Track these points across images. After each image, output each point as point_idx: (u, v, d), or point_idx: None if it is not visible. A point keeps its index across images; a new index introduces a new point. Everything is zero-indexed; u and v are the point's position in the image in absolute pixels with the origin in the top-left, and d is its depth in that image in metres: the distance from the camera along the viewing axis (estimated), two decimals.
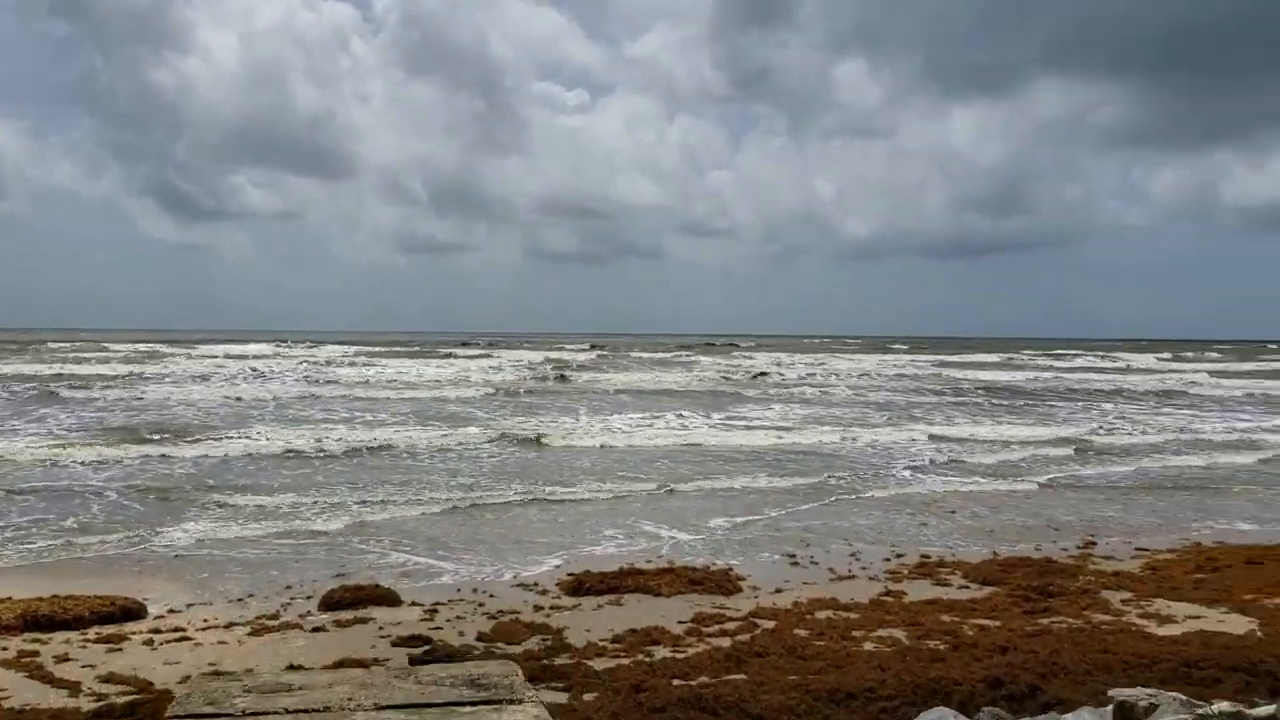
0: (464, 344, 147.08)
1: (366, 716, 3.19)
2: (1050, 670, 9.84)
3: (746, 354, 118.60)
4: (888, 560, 18.03)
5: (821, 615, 14.05)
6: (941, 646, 12.22)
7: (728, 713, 8.57)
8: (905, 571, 17.15)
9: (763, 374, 79.51)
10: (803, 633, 13.00)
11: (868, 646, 12.43)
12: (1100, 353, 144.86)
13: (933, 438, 37.16)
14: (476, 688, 3.54)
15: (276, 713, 3.18)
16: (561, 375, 72.17)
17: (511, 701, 3.39)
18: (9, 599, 14.06)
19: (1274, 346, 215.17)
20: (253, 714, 3.17)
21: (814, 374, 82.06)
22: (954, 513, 22.83)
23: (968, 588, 16.05)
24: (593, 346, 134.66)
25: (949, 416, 46.29)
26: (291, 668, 11.39)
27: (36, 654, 12.09)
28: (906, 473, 28.40)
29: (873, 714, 8.99)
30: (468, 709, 3.28)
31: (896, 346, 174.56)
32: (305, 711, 3.22)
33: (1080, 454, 33.55)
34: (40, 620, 13.31)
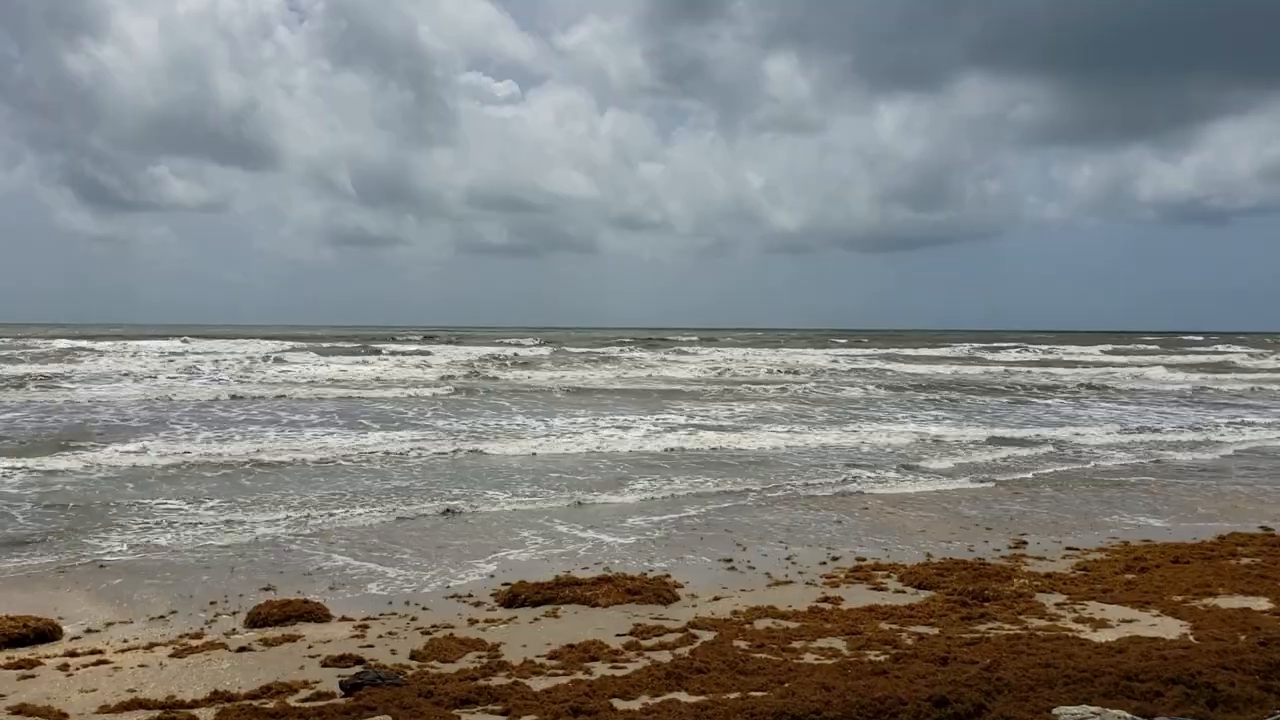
0: (394, 339, 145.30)
1: None
2: (994, 687, 9.79)
3: (686, 349, 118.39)
4: (824, 564, 18.02)
5: (761, 625, 13.94)
6: (882, 658, 12.17)
7: None
8: (842, 575, 17.15)
9: (726, 370, 79.62)
10: (743, 644, 12.88)
11: (809, 658, 12.34)
12: (1036, 345, 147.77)
13: (876, 435, 37.38)
14: None
15: None
16: (494, 375, 71.55)
17: None
18: None
19: (1195, 338, 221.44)
20: None
21: (769, 369, 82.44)
22: (890, 513, 22.93)
23: (904, 592, 16.07)
24: (539, 341, 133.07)
25: (894, 414, 46.72)
26: (216, 693, 10.97)
27: None
28: (846, 473, 28.50)
29: None
30: None
31: (838, 340, 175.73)
32: None
33: (1024, 451, 34.01)
34: None
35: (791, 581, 16.74)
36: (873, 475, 28.16)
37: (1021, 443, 35.97)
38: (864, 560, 18.22)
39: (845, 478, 27.62)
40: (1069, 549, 19.56)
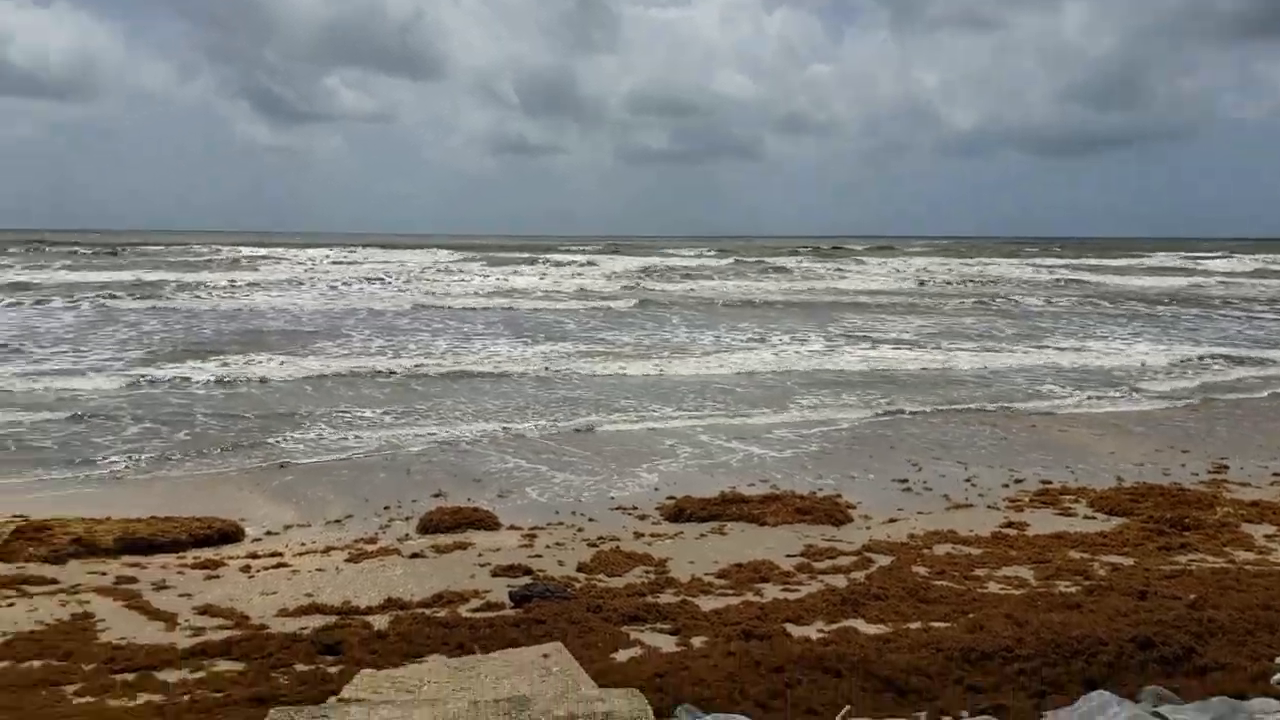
0: (558, 249, 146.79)
1: None
2: (1205, 629, 8.93)
3: (863, 259, 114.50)
4: (1006, 486, 17.09)
5: (940, 550, 13.27)
6: (1073, 590, 11.39)
7: (852, 674, 7.90)
8: (1026, 499, 16.23)
9: (904, 282, 76.84)
10: (922, 570, 12.26)
11: (994, 588, 11.65)
12: (1243, 255, 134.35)
13: (1071, 353, 35.63)
14: None
15: None
16: (658, 287, 71.35)
17: None
18: (108, 519, 13.98)
19: None
20: None
21: (950, 281, 79.04)
22: (1078, 433, 21.66)
23: (1094, 519, 15.09)
24: (705, 252, 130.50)
25: (1088, 328, 44.51)
26: (390, 600, 11.05)
27: (134, 580, 11.93)
28: (1032, 390, 27.15)
29: (1010, 675, 8.23)
30: None
31: (1027, 249, 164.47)
32: None
33: (1223, 369, 31.83)
34: (138, 543, 13.19)
35: (972, 505, 15.93)
36: (1061, 393, 26.70)
37: (1228, 360, 33.57)
38: (1050, 483, 17.20)
39: (1031, 395, 26.28)
40: (1277, 475, 18.05)
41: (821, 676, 7.85)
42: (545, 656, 5.79)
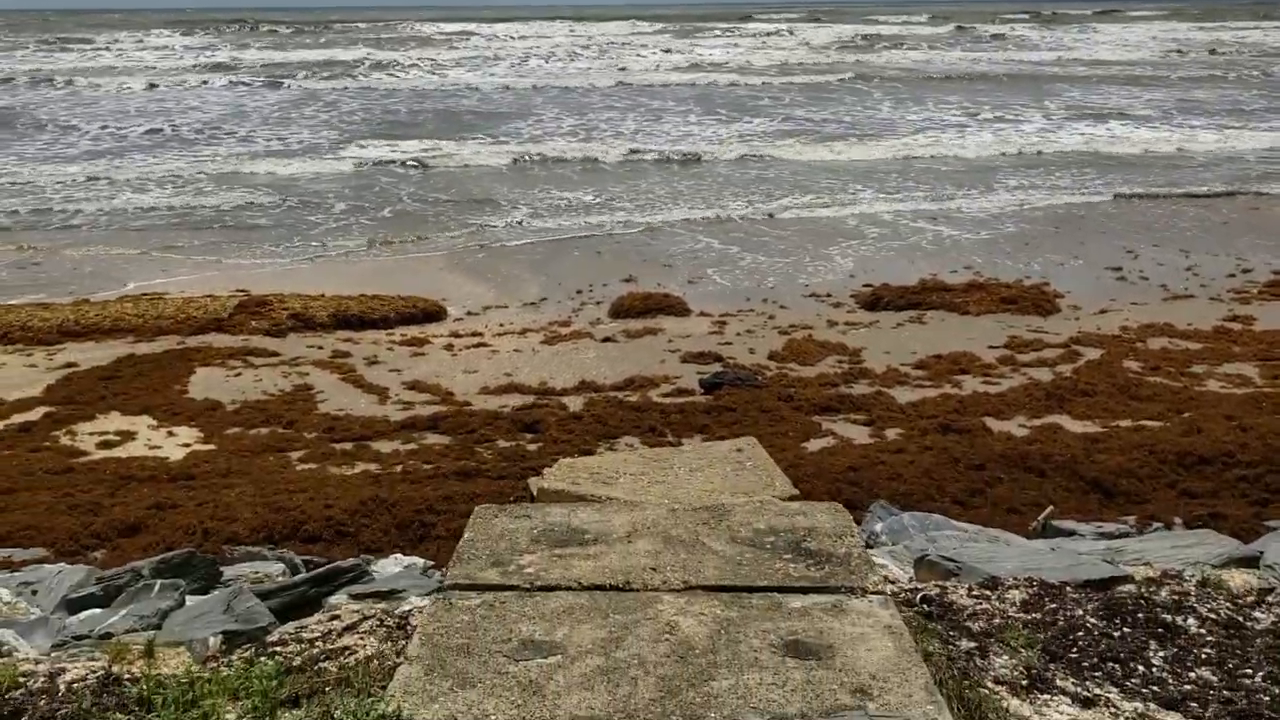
0: (752, 17, 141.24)
1: (674, 600, 2.48)
2: None
3: (1081, 25, 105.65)
4: (1232, 277, 15.86)
5: (1155, 344, 12.54)
6: None
7: (1057, 474, 7.63)
8: (1254, 291, 15.06)
9: (1130, 52, 71.19)
10: (1134, 365, 11.64)
11: (1213, 386, 10.97)
12: None
13: None
14: (805, 557, 2.79)
15: (569, 587, 2.54)
16: (859, 59, 67.99)
17: (853, 591, 2.60)
18: (321, 295, 14.69)
19: None
20: (541, 588, 2.54)
21: (1183, 49, 72.47)
22: None
23: None
24: (915, 18, 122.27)
25: None
26: (584, 383, 11.30)
27: (348, 355, 12.58)
28: (1266, 171, 24.88)
29: (1229, 481, 7.79)
30: (797, 599, 2.54)
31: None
32: (601, 589, 2.57)
33: None
34: (350, 319, 13.86)
35: (1192, 296, 14.89)
36: None
37: None
38: None
39: (1268, 177, 24.08)
40: None
41: (1024, 475, 7.63)
42: (739, 450, 5.75)
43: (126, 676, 3.11)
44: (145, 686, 2.62)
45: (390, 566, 6.26)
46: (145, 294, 15.20)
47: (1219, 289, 15.17)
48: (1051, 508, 7.12)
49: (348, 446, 9.61)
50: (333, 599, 4.46)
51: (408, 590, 4.54)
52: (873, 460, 7.84)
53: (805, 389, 10.79)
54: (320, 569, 4.94)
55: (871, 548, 6.62)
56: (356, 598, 4.47)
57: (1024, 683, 2.73)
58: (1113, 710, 2.70)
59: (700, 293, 15.16)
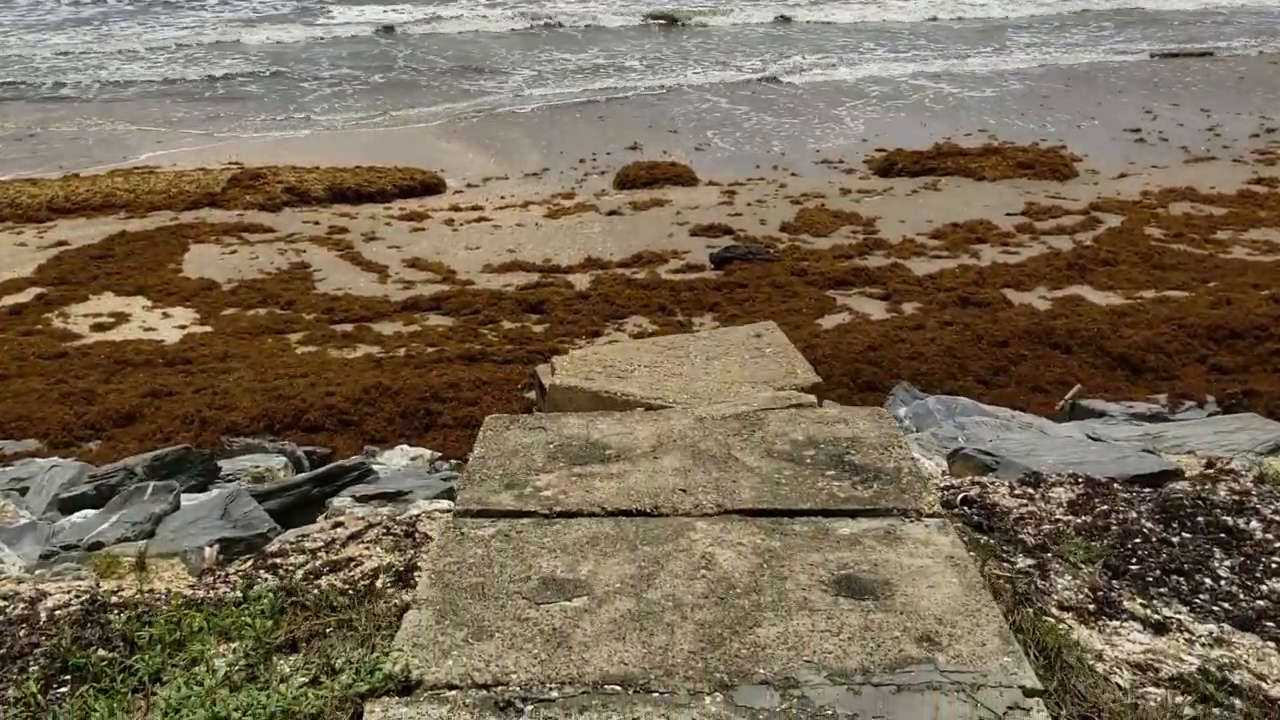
0: None
1: (708, 528, 2.22)
2: None
3: None
4: (1256, 137, 15.32)
5: (1177, 209, 12.14)
6: None
7: (1083, 350, 7.37)
8: (1279, 152, 14.58)
9: None
10: (1156, 233, 11.27)
11: (1238, 253, 10.63)
12: None
13: None
14: (850, 473, 2.53)
15: (592, 513, 2.28)
16: None
17: (906, 514, 2.34)
18: (317, 168, 14.22)
19: None
20: (561, 514, 2.28)
21: None
22: None
23: None
24: None
25: None
26: (590, 260, 10.95)
27: (345, 230, 12.19)
28: None
29: (1261, 356, 7.53)
30: (846, 524, 2.28)
31: None
32: (628, 514, 2.31)
33: None
34: (346, 193, 13.42)
35: (1214, 158, 14.39)
36: None
37: None
38: None
39: None
40: None
41: (1048, 352, 7.36)
42: (757, 336, 5.45)
43: (114, 601, 2.89)
44: (130, 625, 2.39)
45: (396, 459, 6.06)
46: (137, 168, 14.72)
47: (1241, 150, 14.69)
48: (1079, 386, 6.88)
49: (348, 328, 9.33)
50: (336, 501, 4.24)
51: (414, 491, 4.32)
52: (892, 338, 7.56)
53: (819, 262, 10.45)
54: (323, 468, 4.71)
55: None
56: (361, 500, 4.25)
57: (1090, 607, 2.51)
58: (1186, 635, 2.48)
59: (708, 160, 14.66)
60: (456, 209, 12.81)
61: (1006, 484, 3.77)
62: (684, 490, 2.50)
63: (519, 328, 9.10)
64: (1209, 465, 4.57)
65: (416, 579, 2.76)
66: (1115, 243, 10.85)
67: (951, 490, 3.69)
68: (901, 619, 1.97)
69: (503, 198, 13.27)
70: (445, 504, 3.99)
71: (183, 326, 9.58)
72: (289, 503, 4.41)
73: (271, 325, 9.51)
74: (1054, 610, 2.49)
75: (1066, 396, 6.71)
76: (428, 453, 5.98)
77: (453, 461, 5.79)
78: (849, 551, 2.21)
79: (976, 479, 3.97)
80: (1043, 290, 9.60)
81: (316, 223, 12.51)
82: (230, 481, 5.32)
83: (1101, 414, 6.21)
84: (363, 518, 3.78)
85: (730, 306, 9.16)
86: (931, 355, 7.14)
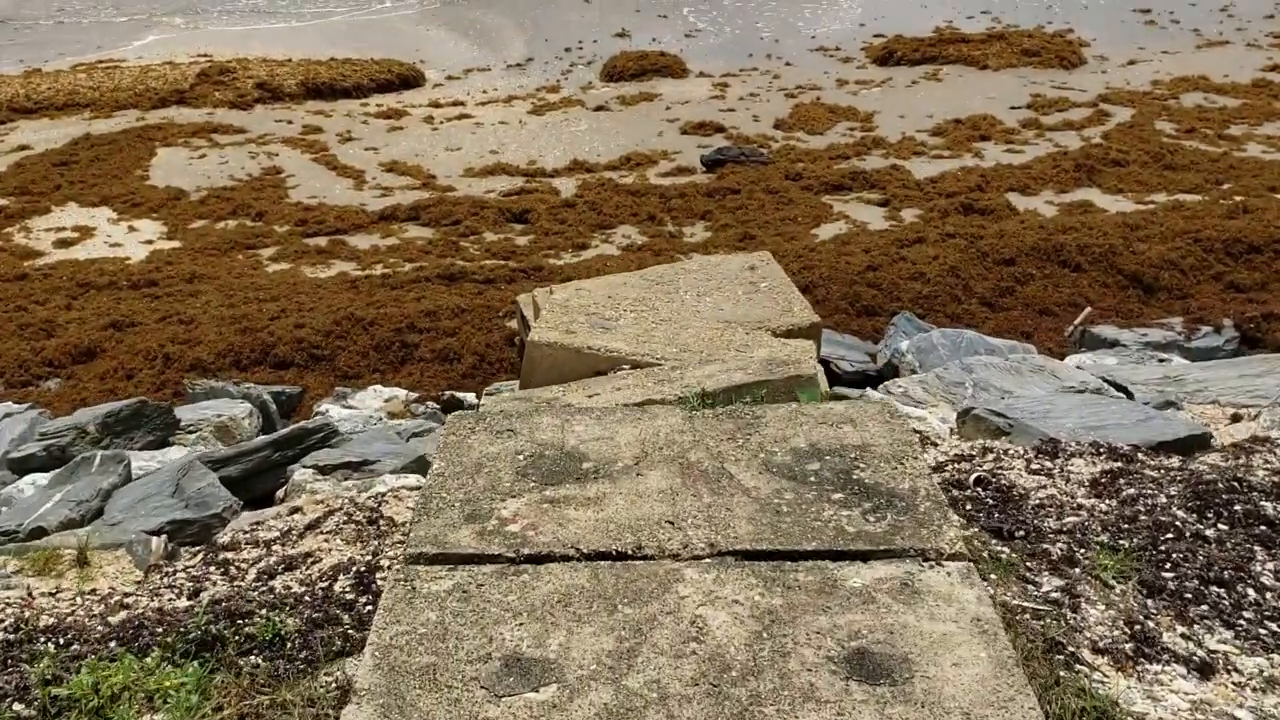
0: None
1: (699, 578, 1.92)
2: None
3: None
4: (1270, 18, 14.66)
5: (1189, 100, 11.62)
6: None
7: (1093, 268, 7.01)
8: None
9: None
10: (1168, 128, 10.78)
11: (1253, 150, 10.17)
12: None
13: None
14: (861, 497, 2.21)
15: (565, 557, 1.98)
16: None
17: (925, 556, 2.04)
18: (289, 61, 13.58)
19: None
20: (529, 558, 1.98)
21: None
22: None
23: None
24: None
25: None
26: (576, 163, 10.46)
27: (320, 130, 11.65)
28: None
29: (1279, 271, 7.16)
30: (856, 573, 1.97)
31: None
32: (606, 557, 2.01)
33: None
34: (321, 88, 12.82)
35: (1228, 42, 13.77)
36: None
37: None
38: None
39: None
40: None
41: (1057, 270, 6.99)
42: (751, 269, 5.10)
43: (44, 623, 2.60)
44: (51, 667, 2.08)
45: (370, 400, 5.73)
46: (100, 62, 14.05)
47: (1257, 32, 14.06)
48: (1089, 309, 6.54)
49: (322, 242, 8.91)
50: (297, 475, 3.92)
51: (381, 460, 4.00)
52: (892, 256, 7.16)
53: (814, 163, 9.99)
54: (284, 430, 4.39)
55: (899, 373, 6.09)
56: (324, 471, 3.93)
57: (1127, 647, 2.23)
58: (1235, 678, 2.21)
59: (699, 47, 14.03)
60: (437, 105, 12.24)
61: (1023, 456, 3.45)
62: (671, 522, 2.19)
63: (502, 240, 8.67)
64: (1235, 419, 4.28)
65: (379, 583, 2.48)
66: (1125, 140, 10.38)
67: (962, 461, 3.40)
68: (923, 714, 1.68)
69: (485, 92, 12.68)
70: (413, 479, 3.69)
71: (149, 242, 9.15)
72: (249, 468, 4.10)
73: (242, 240, 9.07)
74: (1086, 655, 2.20)
75: (1075, 322, 6.38)
76: (403, 393, 5.66)
77: (429, 405, 5.48)
78: (861, 613, 1.91)
79: (989, 445, 3.66)
80: (1049, 194, 9.19)
81: (290, 122, 11.96)
82: (191, 433, 5.02)
83: (1114, 343, 5.89)
84: (322, 501, 3.47)
85: (723, 215, 8.74)
86: (934, 276, 6.76)
